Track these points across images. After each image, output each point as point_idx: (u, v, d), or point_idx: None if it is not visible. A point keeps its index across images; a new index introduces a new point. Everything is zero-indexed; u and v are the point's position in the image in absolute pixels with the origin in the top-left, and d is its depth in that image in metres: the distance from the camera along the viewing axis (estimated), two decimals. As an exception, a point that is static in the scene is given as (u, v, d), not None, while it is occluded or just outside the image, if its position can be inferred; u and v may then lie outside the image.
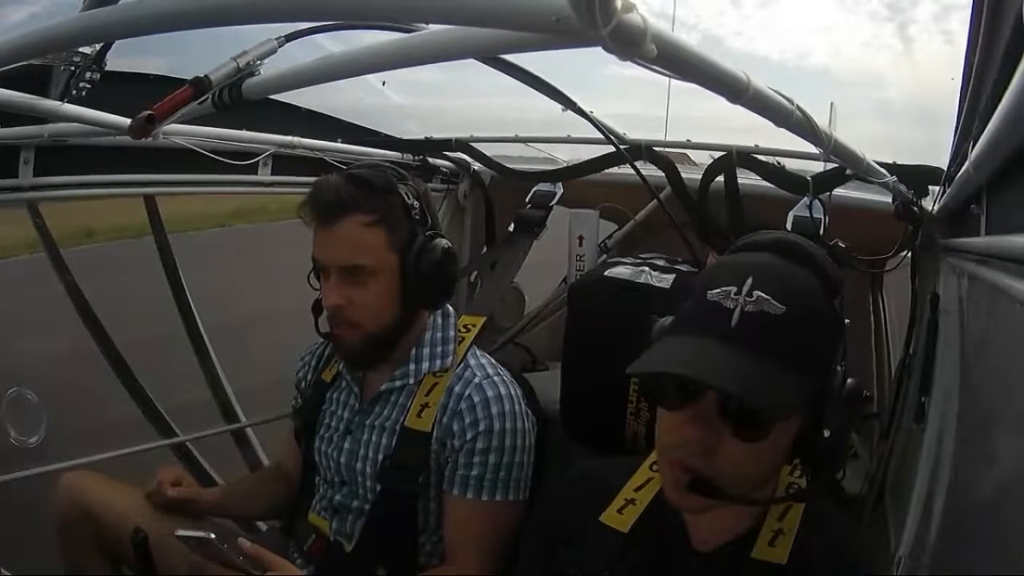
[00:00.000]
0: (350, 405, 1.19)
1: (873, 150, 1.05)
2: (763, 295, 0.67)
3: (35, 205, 1.73)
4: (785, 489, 0.79)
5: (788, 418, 0.69)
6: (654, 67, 0.42)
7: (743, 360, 0.65)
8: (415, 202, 1.10)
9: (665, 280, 1.21)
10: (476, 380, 1.12)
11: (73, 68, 1.24)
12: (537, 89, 1.34)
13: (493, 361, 1.19)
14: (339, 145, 1.72)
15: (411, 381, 1.14)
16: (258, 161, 1.59)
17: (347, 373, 1.20)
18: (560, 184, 1.70)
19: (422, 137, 1.92)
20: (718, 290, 0.69)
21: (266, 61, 0.88)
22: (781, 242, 0.74)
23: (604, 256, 1.69)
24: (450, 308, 1.21)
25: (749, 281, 0.68)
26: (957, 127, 1.12)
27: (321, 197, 1.06)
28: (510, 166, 1.85)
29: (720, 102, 0.55)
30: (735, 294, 0.68)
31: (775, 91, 0.61)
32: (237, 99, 0.88)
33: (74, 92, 1.24)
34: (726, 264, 0.74)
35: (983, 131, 0.68)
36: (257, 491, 1.33)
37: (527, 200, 1.71)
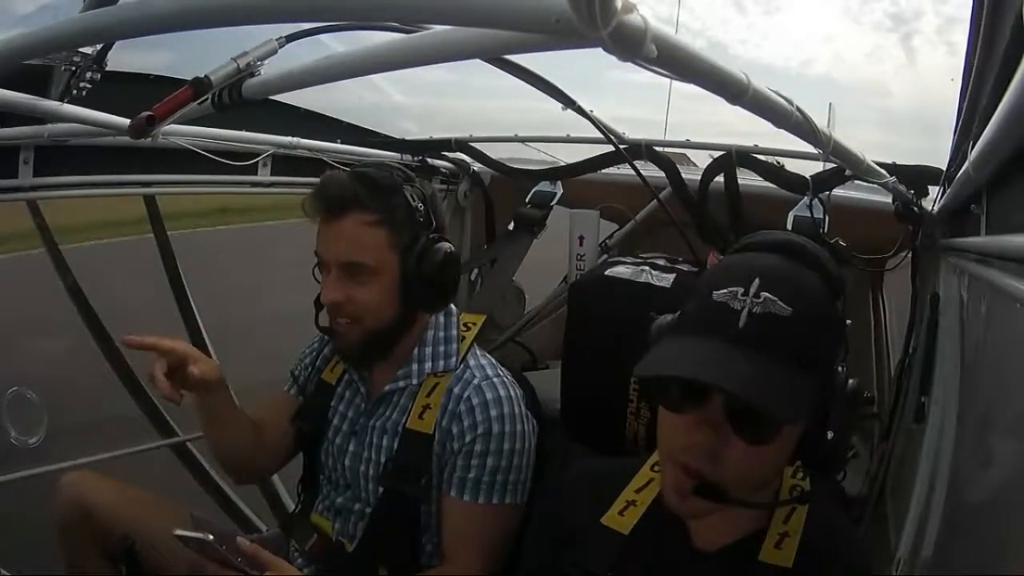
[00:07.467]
0: (356, 404, 1.19)
1: (875, 157, 1.05)
2: (771, 296, 0.66)
3: (35, 205, 1.73)
4: (788, 491, 0.79)
5: (796, 420, 0.68)
6: (654, 68, 0.42)
7: (751, 362, 0.64)
8: (419, 204, 1.09)
9: (665, 279, 1.21)
10: (475, 382, 1.11)
11: (73, 68, 1.23)
12: (538, 88, 1.34)
13: (493, 361, 1.18)
14: (339, 146, 1.73)
15: (414, 382, 1.14)
16: (258, 162, 1.60)
17: (352, 372, 1.20)
18: (560, 184, 1.70)
19: (422, 138, 1.92)
20: (725, 291, 0.68)
21: (267, 61, 0.88)
22: (788, 243, 0.73)
23: (604, 256, 1.69)
24: (452, 307, 1.21)
25: (756, 282, 0.67)
26: (957, 127, 1.12)
27: (326, 192, 1.07)
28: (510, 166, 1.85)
29: (721, 106, 0.54)
30: (742, 295, 0.67)
31: (775, 92, 0.61)
32: (237, 99, 0.88)
33: (74, 92, 1.24)
34: (731, 265, 0.73)
35: (983, 131, 0.68)
36: (244, 431, 1.21)
37: (527, 200, 1.71)
